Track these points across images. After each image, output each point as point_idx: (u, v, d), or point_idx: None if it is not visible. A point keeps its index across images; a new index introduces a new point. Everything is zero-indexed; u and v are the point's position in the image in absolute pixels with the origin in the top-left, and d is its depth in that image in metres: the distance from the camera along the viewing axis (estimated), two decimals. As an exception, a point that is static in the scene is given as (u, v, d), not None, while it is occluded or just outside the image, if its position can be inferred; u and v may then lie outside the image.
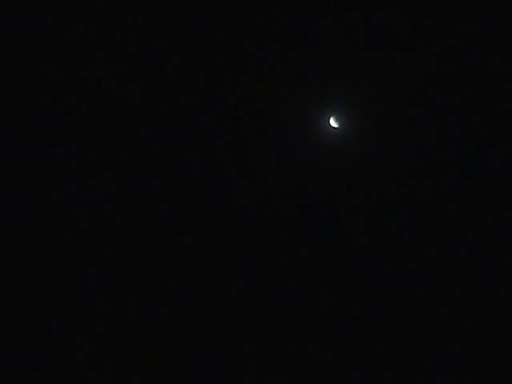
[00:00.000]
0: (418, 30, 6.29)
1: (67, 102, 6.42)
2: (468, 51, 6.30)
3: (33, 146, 6.38)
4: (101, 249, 6.37)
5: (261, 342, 6.32)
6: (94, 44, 6.40)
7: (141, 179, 6.43)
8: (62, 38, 6.38)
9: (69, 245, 6.36)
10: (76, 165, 6.41)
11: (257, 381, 6.26)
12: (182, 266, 6.40)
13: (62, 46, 6.39)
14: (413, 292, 6.35)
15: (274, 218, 6.46)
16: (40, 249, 6.33)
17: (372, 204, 6.42)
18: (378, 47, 6.27)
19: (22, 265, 6.30)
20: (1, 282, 6.25)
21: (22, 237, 6.33)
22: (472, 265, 6.33)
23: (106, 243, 6.37)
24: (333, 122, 6.38)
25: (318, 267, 6.41)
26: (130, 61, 6.43)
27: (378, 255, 6.41)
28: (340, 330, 6.33)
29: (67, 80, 6.41)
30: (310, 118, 6.41)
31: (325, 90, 6.36)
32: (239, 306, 6.35)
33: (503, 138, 6.36)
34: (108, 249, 6.38)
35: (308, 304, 6.39)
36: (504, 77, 6.32)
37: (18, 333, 6.20)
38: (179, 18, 6.41)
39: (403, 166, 6.41)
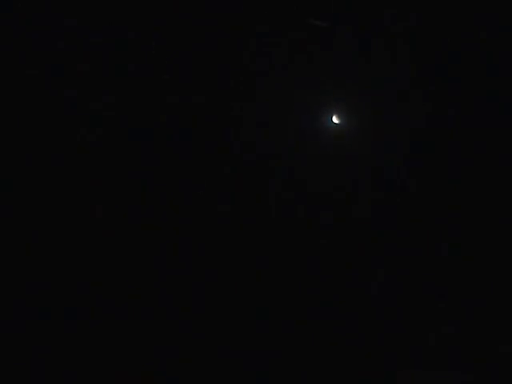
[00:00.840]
0: (419, 29, 6.33)
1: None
2: (470, 51, 6.34)
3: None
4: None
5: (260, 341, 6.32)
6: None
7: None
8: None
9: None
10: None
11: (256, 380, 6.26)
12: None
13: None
14: (413, 291, 6.37)
15: (274, 218, 6.47)
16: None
17: (372, 202, 6.45)
18: (378, 45, 6.33)
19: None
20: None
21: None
22: (473, 264, 6.36)
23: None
24: (335, 119, 6.41)
25: (318, 266, 6.42)
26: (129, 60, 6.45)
27: (378, 254, 6.43)
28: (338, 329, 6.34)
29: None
30: (311, 114, 6.45)
31: (327, 86, 6.40)
32: (238, 305, 6.36)
33: (505, 138, 6.40)
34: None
35: (306, 304, 6.39)
36: (506, 78, 6.37)
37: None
38: (179, 18, 6.43)
39: (404, 165, 6.45)
